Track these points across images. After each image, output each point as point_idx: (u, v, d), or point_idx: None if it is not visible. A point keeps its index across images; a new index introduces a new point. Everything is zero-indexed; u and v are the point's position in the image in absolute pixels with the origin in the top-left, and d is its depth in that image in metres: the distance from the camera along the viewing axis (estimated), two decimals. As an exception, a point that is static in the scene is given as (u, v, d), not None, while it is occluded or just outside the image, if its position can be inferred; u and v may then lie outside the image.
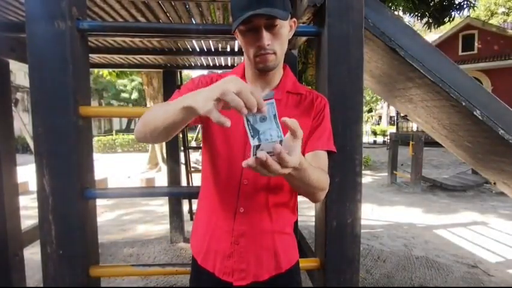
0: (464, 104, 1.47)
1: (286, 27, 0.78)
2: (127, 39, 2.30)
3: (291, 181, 0.69)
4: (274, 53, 0.76)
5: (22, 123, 4.64)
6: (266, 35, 0.73)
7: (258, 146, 0.55)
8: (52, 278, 1.14)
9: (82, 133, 1.18)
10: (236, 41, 2.41)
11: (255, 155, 0.55)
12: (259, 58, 0.76)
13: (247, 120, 0.56)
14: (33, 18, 1.09)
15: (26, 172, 6.19)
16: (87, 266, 1.19)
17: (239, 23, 0.71)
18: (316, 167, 0.74)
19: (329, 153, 0.84)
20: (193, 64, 3.29)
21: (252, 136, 0.56)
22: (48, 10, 1.09)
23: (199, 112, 0.57)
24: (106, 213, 5.10)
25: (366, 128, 23.10)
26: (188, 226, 3.89)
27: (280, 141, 0.55)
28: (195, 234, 0.91)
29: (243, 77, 0.86)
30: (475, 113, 1.48)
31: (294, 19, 0.82)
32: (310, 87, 0.97)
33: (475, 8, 6.52)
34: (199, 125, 0.88)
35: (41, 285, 1.17)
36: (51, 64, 1.10)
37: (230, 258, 0.81)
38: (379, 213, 5.06)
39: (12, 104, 2.02)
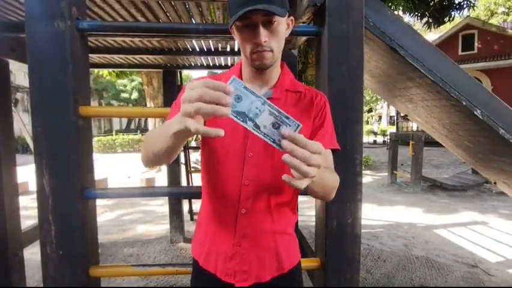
0: (464, 103, 1.47)
1: (283, 25, 0.77)
2: (127, 39, 2.30)
3: (312, 188, 0.68)
4: (271, 51, 0.75)
5: (22, 123, 4.63)
6: (263, 32, 0.72)
7: (257, 126, 0.54)
8: (52, 278, 1.14)
9: (82, 133, 1.18)
10: (236, 41, 2.41)
11: (264, 134, 0.54)
12: (255, 55, 0.75)
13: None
14: (33, 18, 1.09)
15: (26, 172, 6.19)
16: (87, 266, 1.19)
17: (236, 18, 0.70)
18: (325, 167, 0.73)
19: (333, 150, 0.84)
20: (193, 64, 3.29)
21: (243, 121, 0.54)
22: (48, 10, 1.09)
23: (187, 135, 0.56)
24: (106, 213, 5.10)
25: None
26: (188, 226, 3.89)
27: (270, 105, 0.54)
28: (197, 235, 0.91)
29: (240, 76, 0.85)
30: (475, 112, 1.48)
31: (292, 17, 0.81)
32: (310, 86, 0.96)
33: (475, 7, 6.52)
34: None
35: (41, 285, 1.17)
36: (51, 64, 1.10)
37: (232, 260, 0.81)
38: (379, 213, 5.06)
39: (12, 104, 2.01)
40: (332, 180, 0.74)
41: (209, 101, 0.50)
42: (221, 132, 0.52)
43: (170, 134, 0.60)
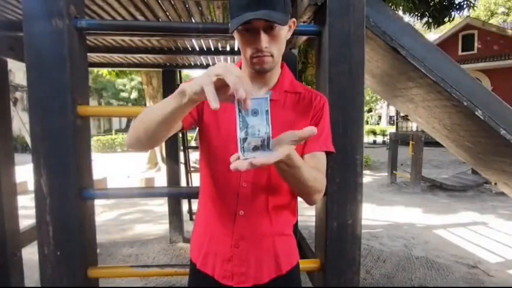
0: (465, 103, 1.46)
1: (285, 29, 0.76)
2: (126, 38, 2.29)
3: (285, 177, 0.70)
4: (272, 55, 0.75)
5: (21, 122, 4.62)
6: (264, 38, 0.71)
7: (244, 139, 0.56)
8: (50, 278, 1.13)
9: (80, 133, 1.17)
10: (236, 41, 2.40)
11: (243, 148, 0.56)
12: (256, 59, 0.75)
13: (239, 111, 0.55)
14: (31, 17, 1.08)
15: (25, 172, 6.18)
16: (85, 266, 1.18)
17: (238, 24, 0.69)
18: (312, 167, 0.75)
19: (329, 153, 0.83)
20: (192, 63, 3.28)
21: (240, 128, 0.55)
22: (46, 8, 1.08)
23: (192, 90, 0.56)
24: (105, 213, 5.09)
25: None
26: (187, 226, 3.88)
27: (268, 138, 0.56)
28: (194, 237, 0.90)
29: None
30: (476, 112, 1.47)
31: (294, 19, 0.80)
32: (310, 87, 0.95)
33: (475, 7, 6.51)
34: None
35: (39, 286, 1.16)
36: (49, 63, 1.09)
37: (230, 261, 0.80)
38: (379, 213, 5.06)
39: (11, 103, 2.01)
40: (316, 180, 0.72)
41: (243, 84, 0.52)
42: (217, 104, 0.52)
43: (173, 95, 0.61)
